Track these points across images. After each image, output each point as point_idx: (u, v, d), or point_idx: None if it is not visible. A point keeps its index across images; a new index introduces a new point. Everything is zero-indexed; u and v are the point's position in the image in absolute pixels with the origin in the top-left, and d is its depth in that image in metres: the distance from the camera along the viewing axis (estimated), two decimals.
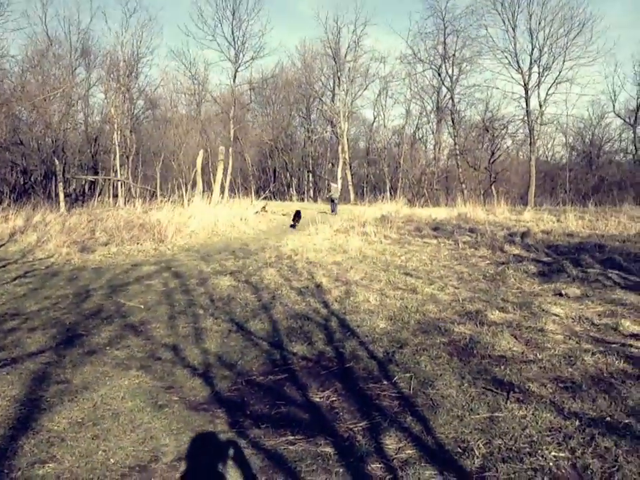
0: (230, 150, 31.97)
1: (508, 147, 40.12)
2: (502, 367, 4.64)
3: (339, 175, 39.86)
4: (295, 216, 18.35)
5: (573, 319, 6.04)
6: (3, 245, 12.54)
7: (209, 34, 45.68)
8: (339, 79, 41.26)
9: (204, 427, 3.76)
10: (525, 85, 32.27)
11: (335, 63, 40.93)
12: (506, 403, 3.94)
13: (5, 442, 3.46)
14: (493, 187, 34.80)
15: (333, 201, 24.52)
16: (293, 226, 17.90)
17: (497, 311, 6.37)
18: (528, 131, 33.24)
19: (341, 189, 35.92)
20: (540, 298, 7.01)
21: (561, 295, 7.16)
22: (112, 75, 33.02)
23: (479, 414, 3.80)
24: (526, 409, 3.81)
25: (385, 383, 4.43)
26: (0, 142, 21.59)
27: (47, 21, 34.29)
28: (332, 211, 23.64)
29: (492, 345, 5.18)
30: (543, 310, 6.40)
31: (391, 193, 36.92)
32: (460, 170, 36.42)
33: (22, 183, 31.73)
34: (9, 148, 24.67)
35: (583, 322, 5.92)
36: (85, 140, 35.31)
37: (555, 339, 5.36)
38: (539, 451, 3.25)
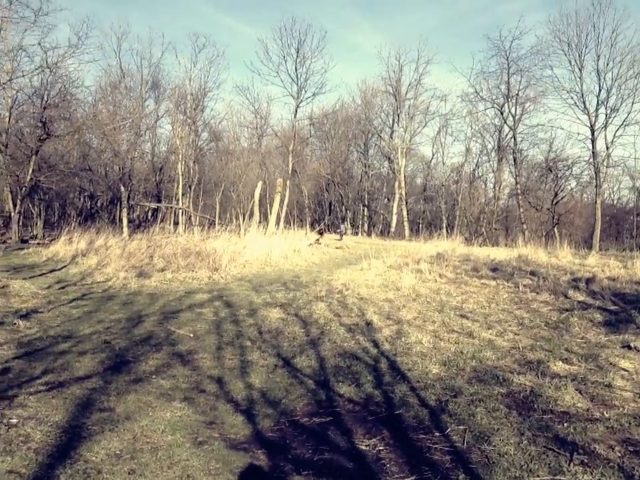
0: (288, 182, 32.50)
1: (572, 189, 38.78)
2: (565, 425, 4.27)
3: (395, 211, 39.60)
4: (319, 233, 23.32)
5: None
6: (65, 266, 13.00)
7: (273, 70, 46.63)
8: (398, 116, 41.31)
9: (243, 468, 3.60)
10: (591, 126, 31.12)
11: (395, 100, 41.04)
12: (569, 465, 3.60)
13: (41, 470, 3.41)
14: (555, 229, 33.60)
15: (341, 234, 30.05)
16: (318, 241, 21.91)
17: (561, 362, 5.95)
18: (594, 173, 31.90)
19: (396, 224, 39.01)
20: (607, 350, 6.53)
21: (629, 347, 6.64)
22: (179, 108, 34.48)
23: (539, 476, 3.47)
24: (591, 474, 3.46)
25: (437, 434, 4.14)
26: (70, 167, 22.74)
27: (120, 55, 36.34)
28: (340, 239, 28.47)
29: (554, 400, 4.80)
30: (610, 363, 5.94)
31: (447, 231, 36.24)
32: (521, 210, 35.28)
33: (88, 207, 33.30)
34: (78, 174, 25.95)
35: None
36: (150, 168, 36.85)
37: (624, 396, 4.93)
38: None
